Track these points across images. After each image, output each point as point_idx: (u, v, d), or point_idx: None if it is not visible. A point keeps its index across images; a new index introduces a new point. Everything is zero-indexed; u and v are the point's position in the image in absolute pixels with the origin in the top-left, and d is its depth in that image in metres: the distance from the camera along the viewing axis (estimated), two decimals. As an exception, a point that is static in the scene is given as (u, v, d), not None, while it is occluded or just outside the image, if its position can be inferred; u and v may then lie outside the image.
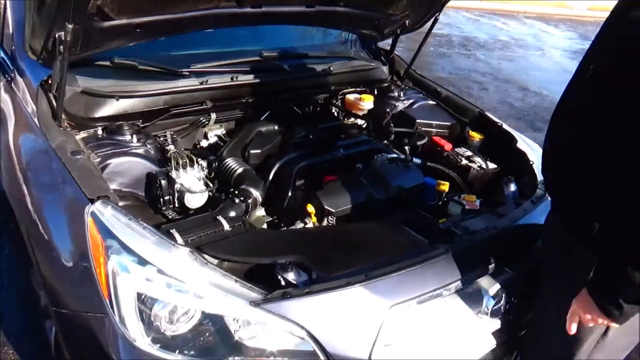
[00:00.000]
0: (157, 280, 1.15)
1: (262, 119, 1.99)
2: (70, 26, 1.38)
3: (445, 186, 1.83)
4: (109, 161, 1.54)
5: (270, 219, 1.66)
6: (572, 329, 1.16)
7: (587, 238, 1.12)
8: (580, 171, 1.12)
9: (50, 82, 1.64)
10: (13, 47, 1.83)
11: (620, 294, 1.03)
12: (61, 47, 1.45)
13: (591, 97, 1.08)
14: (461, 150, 2.03)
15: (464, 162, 1.96)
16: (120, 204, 1.32)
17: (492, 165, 1.95)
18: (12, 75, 1.84)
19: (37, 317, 1.86)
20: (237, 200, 1.52)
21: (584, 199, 1.13)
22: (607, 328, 1.18)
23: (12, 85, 1.85)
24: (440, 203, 1.80)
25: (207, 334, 1.17)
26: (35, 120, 1.60)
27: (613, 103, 1.01)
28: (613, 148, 1.03)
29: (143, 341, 1.12)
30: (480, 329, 1.38)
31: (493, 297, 1.39)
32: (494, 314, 1.39)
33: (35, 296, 1.81)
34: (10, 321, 2.01)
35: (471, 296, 1.36)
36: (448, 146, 2.06)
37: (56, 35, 1.47)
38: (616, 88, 1.01)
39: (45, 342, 1.75)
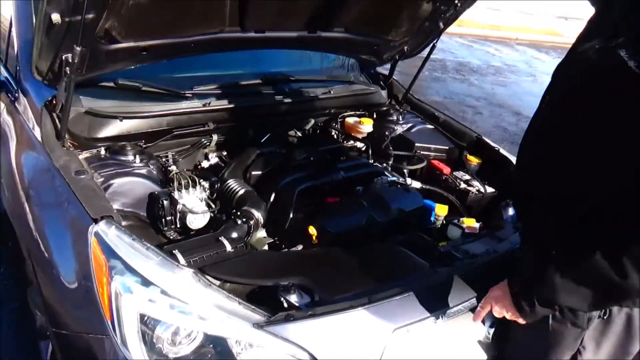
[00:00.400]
0: (160, 301, 1.14)
1: (263, 140, 2.01)
2: (78, 48, 1.41)
3: (444, 209, 1.85)
4: (111, 181, 1.54)
5: (272, 240, 1.67)
6: (479, 316, 1.22)
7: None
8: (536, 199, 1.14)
9: (54, 102, 1.66)
10: (18, 67, 1.84)
11: (536, 292, 1.06)
12: (67, 68, 1.48)
13: (553, 124, 1.11)
14: (459, 174, 2.06)
15: (462, 185, 1.99)
16: (123, 224, 1.33)
17: (490, 190, 1.98)
18: (16, 95, 1.85)
19: (32, 337, 1.84)
20: (239, 222, 1.53)
21: (540, 231, 1.15)
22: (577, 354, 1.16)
23: (15, 104, 1.86)
24: (439, 226, 1.82)
25: (209, 356, 1.16)
26: (39, 139, 1.61)
27: (579, 126, 1.03)
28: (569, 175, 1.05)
29: (145, 363, 1.11)
30: (481, 354, 1.38)
31: (494, 322, 1.39)
32: (495, 338, 1.39)
33: (30, 316, 1.79)
34: (4, 341, 1.98)
35: (473, 321, 1.36)
36: (446, 170, 2.08)
37: (63, 57, 1.50)
38: (584, 111, 1.03)
39: (40, 364, 1.72)
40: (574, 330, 1.12)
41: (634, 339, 1.12)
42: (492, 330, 1.39)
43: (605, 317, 1.10)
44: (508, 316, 1.15)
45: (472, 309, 1.36)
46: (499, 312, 1.17)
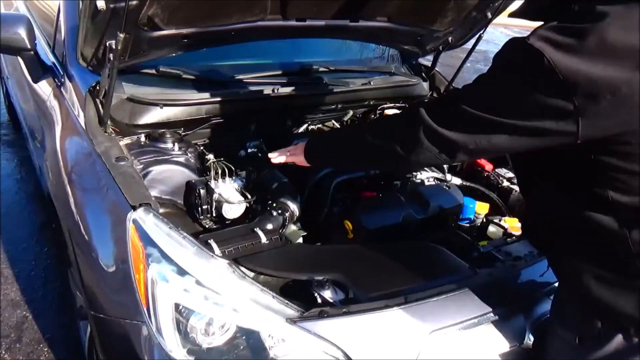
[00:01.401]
0: (195, 291, 1.14)
1: (300, 131, 1.99)
2: (121, 35, 1.41)
3: (485, 208, 1.78)
4: (150, 168, 1.56)
5: (306, 233, 1.65)
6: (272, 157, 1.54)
7: None
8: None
9: (98, 88, 1.68)
10: (64, 53, 1.88)
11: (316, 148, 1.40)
12: (111, 55, 1.49)
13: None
14: (502, 171, 1.98)
15: (505, 183, 1.91)
16: (160, 211, 1.33)
17: (534, 189, 1.89)
18: (62, 80, 1.89)
19: (72, 317, 1.90)
20: (274, 213, 1.52)
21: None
22: None
23: (61, 89, 1.91)
24: (479, 225, 1.75)
25: (242, 347, 1.16)
26: (82, 124, 1.64)
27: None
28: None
29: (179, 352, 1.11)
30: (520, 360, 1.33)
31: (535, 329, 1.33)
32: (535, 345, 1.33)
33: (71, 296, 1.85)
34: (46, 319, 2.06)
35: (513, 326, 1.30)
36: (489, 166, 2.01)
37: (107, 43, 1.51)
38: None
39: (79, 342, 1.78)
40: (572, 344, 1.11)
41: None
42: (532, 337, 1.33)
43: (599, 337, 1.06)
44: (296, 160, 1.46)
45: (513, 313, 1.31)
46: (289, 155, 1.50)
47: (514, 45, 0.93)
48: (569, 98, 0.85)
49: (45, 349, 1.93)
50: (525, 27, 9.87)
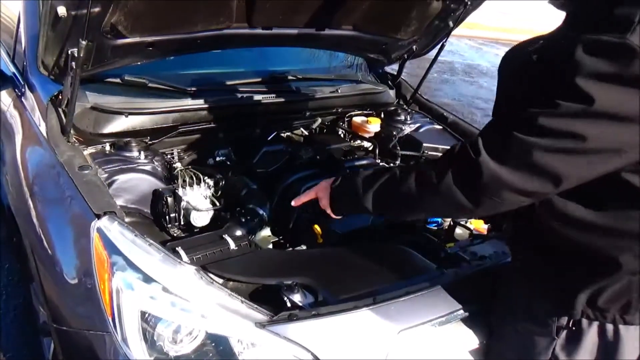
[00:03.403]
0: (161, 298, 1.12)
1: (269, 139, 2.00)
2: (83, 43, 1.40)
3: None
4: (116, 177, 1.53)
5: (276, 239, 1.65)
6: (299, 201, 1.33)
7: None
8: None
9: (60, 97, 1.65)
10: (25, 63, 1.84)
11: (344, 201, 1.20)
12: (73, 63, 1.46)
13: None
14: (468, 175, 2.02)
15: (471, 187, 1.95)
16: (126, 220, 1.31)
17: (498, 191, 1.94)
18: (23, 90, 1.85)
19: (34, 334, 1.83)
20: (243, 220, 1.51)
21: None
22: None
23: (22, 100, 1.86)
24: (446, 227, 1.79)
25: (211, 354, 1.14)
26: (44, 134, 1.60)
27: None
28: None
29: (145, 361, 1.09)
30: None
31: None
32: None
33: (34, 313, 1.79)
34: (7, 337, 1.98)
35: (479, 324, 1.33)
36: (454, 170, 2.05)
37: (69, 51, 1.49)
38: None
39: (42, 360, 1.72)
40: (543, 338, 1.10)
41: (616, 354, 1.05)
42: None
43: (573, 328, 1.06)
44: (321, 205, 1.27)
45: (479, 311, 1.33)
46: (319, 200, 1.28)
47: None
48: None
49: (7, 369, 1.86)
50: (488, 39, 10.19)
